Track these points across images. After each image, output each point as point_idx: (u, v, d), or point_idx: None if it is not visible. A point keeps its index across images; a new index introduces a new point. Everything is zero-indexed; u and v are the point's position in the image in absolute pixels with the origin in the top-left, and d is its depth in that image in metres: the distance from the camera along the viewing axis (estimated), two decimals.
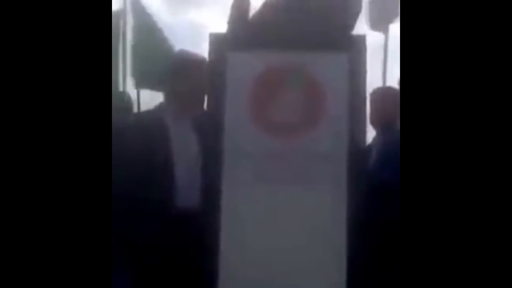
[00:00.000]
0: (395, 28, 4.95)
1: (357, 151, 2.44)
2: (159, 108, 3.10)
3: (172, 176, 2.83)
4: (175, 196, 2.81)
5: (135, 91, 5.30)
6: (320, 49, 2.46)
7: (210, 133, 2.52)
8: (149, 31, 5.36)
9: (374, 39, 4.93)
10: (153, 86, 5.06)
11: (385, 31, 4.96)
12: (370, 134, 3.55)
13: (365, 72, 2.47)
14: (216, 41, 2.52)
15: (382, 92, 3.76)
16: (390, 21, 4.86)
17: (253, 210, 2.43)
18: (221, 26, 2.74)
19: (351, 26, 2.58)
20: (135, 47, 5.35)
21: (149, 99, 5.20)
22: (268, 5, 2.70)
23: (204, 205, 2.50)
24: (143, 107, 5.08)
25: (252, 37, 2.54)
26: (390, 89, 3.85)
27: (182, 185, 2.82)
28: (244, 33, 2.61)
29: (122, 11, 5.52)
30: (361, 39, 2.51)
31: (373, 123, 3.58)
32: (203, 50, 2.70)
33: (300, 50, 2.46)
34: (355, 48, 2.48)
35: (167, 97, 3.10)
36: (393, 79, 4.72)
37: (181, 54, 3.21)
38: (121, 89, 5.30)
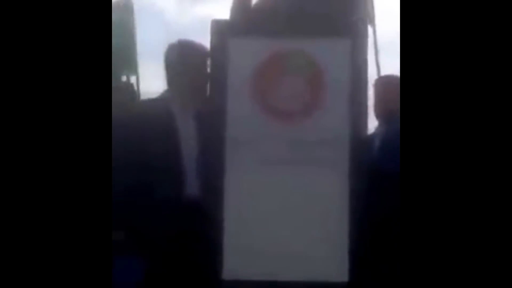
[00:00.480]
0: (382, 21, 4.87)
1: (358, 135, 2.45)
2: (163, 96, 3.10)
3: (178, 163, 2.84)
4: (181, 182, 2.82)
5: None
6: (322, 35, 2.47)
7: (213, 118, 2.52)
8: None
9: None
10: None
11: (372, 23, 4.88)
12: (373, 123, 3.54)
13: (366, 57, 2.48)
14: (218, 27, 2.53)
15: (384, 82, 3.75)
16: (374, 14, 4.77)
17: (255, 194, 2.45)
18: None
19: (355, 10, 2.58)
20: None
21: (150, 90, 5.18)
22: None
23: (208, 189, 2.52)
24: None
25: (254, 24, 2.54)
26: (392, 78, 3.83)
27: (187, 171, 2.83)
28: (246, 20, 2.61)
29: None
30: (363, 25, 2.51)
31: (375, 112, 3.57)
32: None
33: (302, 36, 2.46)
34: (356, 34, 2.48)
35: (170, 87, 3.09)
36: (384, 71, 4.66)
37: (181, 45, 3.16)
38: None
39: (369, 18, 4.67)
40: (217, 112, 2.49)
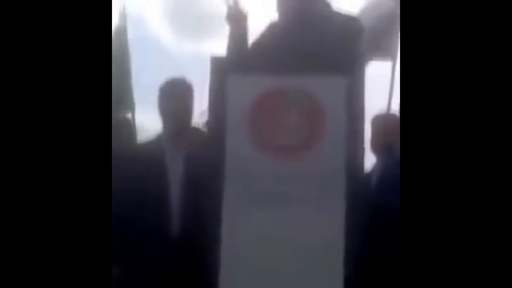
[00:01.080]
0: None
1: (355, 174, 2.44)
2: (158, 135, 3.10)
3: (172, 201, 2.83)
4: (175, 221, 2.81)
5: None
6: (320, 73, 2.47)
7: (210, 156, 2.52)
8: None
9: (382, 66, 4.88)
10: None
11: (393, 58, 4.93)
12: (371, 160, 3.55)
13: (363, 95, 2.48)
14: (218, 64, 2.54)
15: (383, 118, 3.78)
16: (396, 49, 4.82)
17: (251, 233, 2.42)
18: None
19: (353, 49, 2.59)
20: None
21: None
22: (269, 28, 2.73)
23: (204, 227, 2.50)
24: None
25: (252, 60, 2.56)
26: (390, 115, 3.87)
27: (182, 210, 2.82)
28: (245, 56, 2.63)
29: (123, 27, 5.41)
30: (361, 62, 2.53)
31: (373, 148, 3.58)
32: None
33: (300, 73, 2.47)
34: (354, 72, 2.49)
35: (164, 125, 3.09)
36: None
37: (174, 84, 3.14)
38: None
39: (390, 55, 4.73)
40: (215, 149, 2.48)
